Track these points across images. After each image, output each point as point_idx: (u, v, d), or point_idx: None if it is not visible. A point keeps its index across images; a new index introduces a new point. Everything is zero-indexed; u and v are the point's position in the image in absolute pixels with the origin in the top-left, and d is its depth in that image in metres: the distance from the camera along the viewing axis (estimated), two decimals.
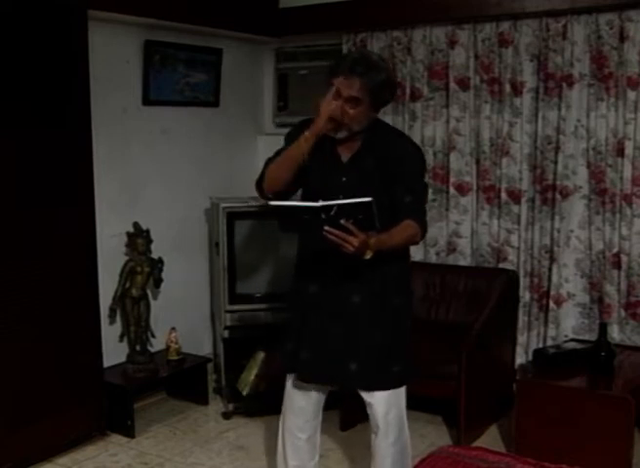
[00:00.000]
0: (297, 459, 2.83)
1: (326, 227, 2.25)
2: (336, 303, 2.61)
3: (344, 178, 2.56)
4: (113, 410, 3.70)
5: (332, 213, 2.26)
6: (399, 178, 2.50)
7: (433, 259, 4.34)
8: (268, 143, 4.77)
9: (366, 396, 2.69)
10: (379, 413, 2.67)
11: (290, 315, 2.78)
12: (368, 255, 2.33)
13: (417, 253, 4.32)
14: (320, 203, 2.27)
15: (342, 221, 2.25)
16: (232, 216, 4.00)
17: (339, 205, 2.26)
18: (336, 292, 2.61)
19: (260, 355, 4.05)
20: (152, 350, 4.05)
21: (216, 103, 4.49)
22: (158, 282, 4.01)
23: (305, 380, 2.71)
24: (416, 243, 2.59)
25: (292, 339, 2.72)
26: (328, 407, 2.91)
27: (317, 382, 2.72)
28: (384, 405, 2.65)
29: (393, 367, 2.62)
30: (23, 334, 3.29)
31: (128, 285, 3.89)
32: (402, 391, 2.69)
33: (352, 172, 2.56)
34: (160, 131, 4.20)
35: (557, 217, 3.94)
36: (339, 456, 3.53)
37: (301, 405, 2.78)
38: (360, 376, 2.61)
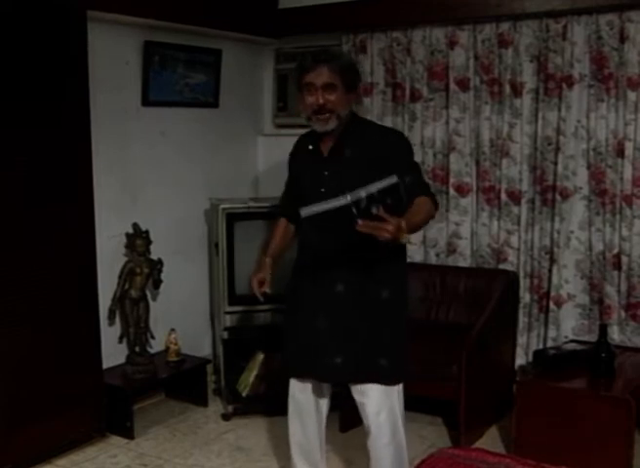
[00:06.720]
0: (304, 460, 2.88)
1: (360, 222, 2.19)
2: (322, 294, 2.63)
3: (326, 172, 2.63)
4: (112, 412, 3.69)
5: (362, 205, 2.18)
6: (390, 163, 2.50)
7: (433, 260, 4.33)
8: (268, 144, 4.78)
9: (357, 396, 2.70)
10: (370, 414, 2.68)
11: (286, 315, 2.80)
12: (404, 239, 2.30)
13: (416, 255, 4.32)
14: (349, 198, 2.20)
15: (374, 211, 2.20)
16: (232, 217, 3.99)
17: (367, 195, 2.19)
18: (322, 283, 2.64)
19: (260, 356, 4.05)
20: (152, 351, 4.05)
21: (215, 104, 4.48)
22: (157, 283, 4.01)
23: (297, 375, 2.75)
24: (433, 216, 2.62)
25: (290, 340, 2.74)
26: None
27: (305, 376, 2.74)
28: (375, 405, 2.66)
29: (380, 360, 2.63)
30: (23, 335, 3.28)
31: (127, 286, 3.88)
32: (394, 392, 2.69)
33: (333, 164, 2.63)
34: (160, 132, 4.19)
35: (557, 218, 3.94)
36: (338, 457, 3.52)
37: (303, 403, 2.81)
38: (346, 369, 2.62)
